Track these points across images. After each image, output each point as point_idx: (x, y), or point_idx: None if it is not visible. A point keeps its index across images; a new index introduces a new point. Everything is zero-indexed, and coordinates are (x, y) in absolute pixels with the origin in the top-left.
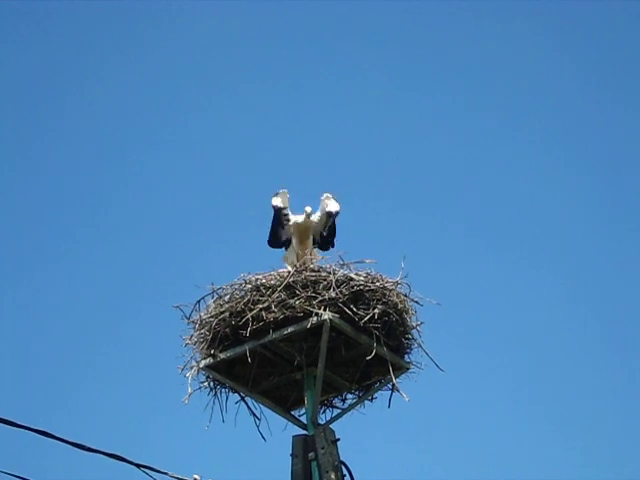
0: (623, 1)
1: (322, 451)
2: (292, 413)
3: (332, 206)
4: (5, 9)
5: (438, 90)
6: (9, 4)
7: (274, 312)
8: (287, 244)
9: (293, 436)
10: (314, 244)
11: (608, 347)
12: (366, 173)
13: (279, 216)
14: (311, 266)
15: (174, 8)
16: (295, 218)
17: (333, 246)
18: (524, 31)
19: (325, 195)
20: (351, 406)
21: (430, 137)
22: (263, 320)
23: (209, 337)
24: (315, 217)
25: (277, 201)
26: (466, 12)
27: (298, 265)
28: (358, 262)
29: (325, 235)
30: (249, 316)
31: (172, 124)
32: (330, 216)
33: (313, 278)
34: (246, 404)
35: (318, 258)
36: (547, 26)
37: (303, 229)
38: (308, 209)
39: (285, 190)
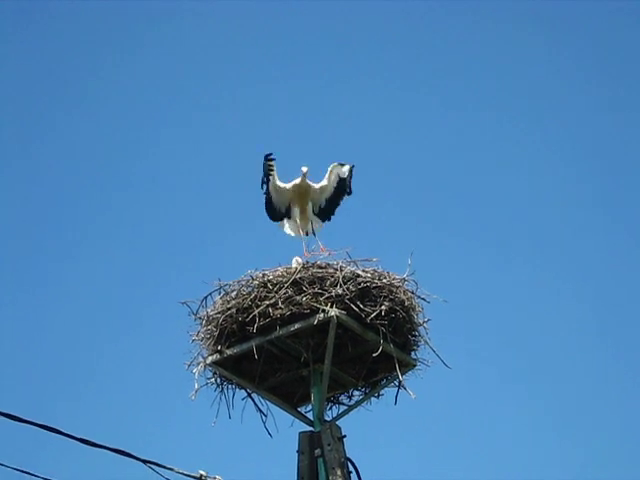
0: (623, 1)
1: (328, 448)
2: (298, 409)
3: (343, 172)
4: (5, 9)
5: (445, 86)
6: (9, 4)
7: (281, 308)
8: (287, 216)
9: (299, 432)
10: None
11: (614, 345)
12: (373, 170)
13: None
14: (318, 262)
15: (174, 8)
16: (291, 182)
17: (333, 214)
18: (524, 31)
19: (332, 165)
20: (357, 403)
21: (437, 134)
22: (270, 316)
23: (216, 333)
24: (317, 184)
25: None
26: (466, 13)
27: (302, 234)
28: (365, 260)
29: (323, 207)
30: (256, 312)
31: (177, 119)
32: (342, 181)
33: (320, 275)
34: (253, 400)
35: (321, 226)
36: (547, 26)
37: (303, 191)
38: (304, 168)
39: (305, 168)
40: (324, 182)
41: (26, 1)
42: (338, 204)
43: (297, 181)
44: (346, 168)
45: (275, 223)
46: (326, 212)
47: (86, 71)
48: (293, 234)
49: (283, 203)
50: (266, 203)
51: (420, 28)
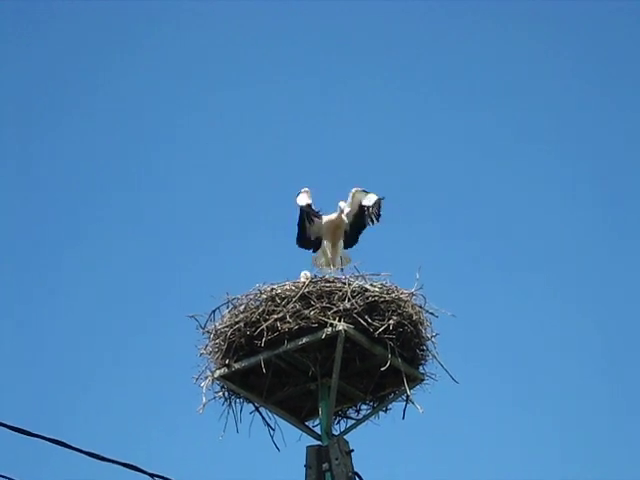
0: (623, 1)
1: (336, 462)
2: (306, 424)
3: (368, 200)
4: (5, 9)
5: (453, 94)
6: (9, 4)
7: (289, 322)
8: (316, 244)
9: (307, 447)
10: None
11: (622, 360)
12: (381, 184)
13: (307, 213)
14: (326, 277)
15: (175, 8)
16: (327, 217)
17: (357, 241)
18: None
19: (354, 190)
20: (365, 417)
21: (447, 148)
22: (278, 330)
23: (224, 347)
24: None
25: (302, 198)
26: (466, 13)
27: (332, 268)
28: (373, 274)
29: (348, 232)
30: (264, 326)
31: (185, 132)
32: (364, 210)
33: (328, 289)
34: (260, 414)
35: (349, 260)
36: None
37: (336, 227)
38: (342, 204)
39: (307, 189)
40: (347, 209)
41: (26, 1)
42: (359, 232)
43: (333, 217)
44: (371, 198)
45: (308, 253)
46: (349, 240)
47: (86, 71)
48: (323, 267)
49: (315, 234)
50: (299, 233)
51: (420, 29)
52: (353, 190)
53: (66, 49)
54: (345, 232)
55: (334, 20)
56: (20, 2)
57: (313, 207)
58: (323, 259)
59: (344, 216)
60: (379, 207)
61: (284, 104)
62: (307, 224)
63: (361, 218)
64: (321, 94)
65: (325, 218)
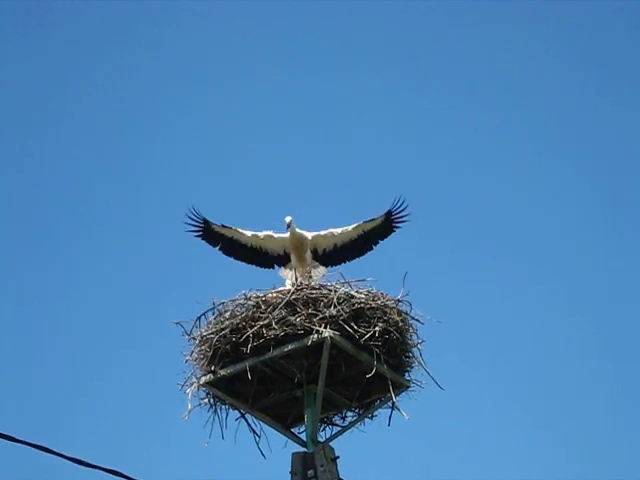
0: (622, 1)
1: (322, 469)
2: (292, 430)
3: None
4: (5, 9)
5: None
6: (9, 4)
7: (275, 329)
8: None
9: (293, 453)
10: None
11: (610, 363)
12: (366, 189)
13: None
14: (312, 284)
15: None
16: (282, 235)
17: (345, 262)
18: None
19: (361, 222)
20: (351, 424)
21: (432, 150)
22: (264, 337)
23: (209, 354)
24: (321, 232)
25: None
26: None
27: (297, 281)
28: (359, 280)
29: (330, 252)
30: (249, 333)
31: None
32: (369, 238)
33: (314, 295)
34: (246, 421)
35: (321, 274)
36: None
37: (297, 242)
38: (288, 219)
39: (289, 218)
40: (337, 230)
41: (26, 1)
42: (355, 257)
43: (286, 235)
44: (320, 272)
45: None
46: (333, 258)
47: (86, 71)
48: (289, 280)
49: (277, 251)
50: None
51: (420, 31)
52: (358, 223)
53: (66, 49)
54: (324, 250)
55: (334, 20)
56: (20, 2)
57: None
58: (289, 272)
59: (299, 230)
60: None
61: (284, 105)
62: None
63: (364, 246)
64: (320, 95)
65: (282, 237)
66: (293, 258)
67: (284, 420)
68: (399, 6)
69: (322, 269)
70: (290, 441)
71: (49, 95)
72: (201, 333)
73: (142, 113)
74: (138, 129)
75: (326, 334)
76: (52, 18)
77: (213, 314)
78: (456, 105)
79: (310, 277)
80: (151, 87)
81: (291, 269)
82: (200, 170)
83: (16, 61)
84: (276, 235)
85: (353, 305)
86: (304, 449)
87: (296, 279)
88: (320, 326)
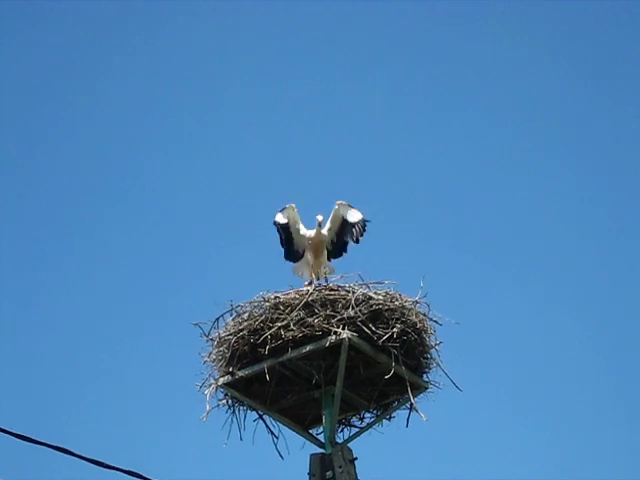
0: (622, 1)
1: (339, 470)
2: (310, 432)
3: (351, 216)
4: (6, 9)
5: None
6: (9, 4)
7: (293, 330)
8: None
9: (311, 455)
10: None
11: (624, 364)
12: (385, 192)
13: (285, 232)
14: (330, 284)
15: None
16: (308, 232)
17: (346, 251)
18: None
19: (338, 203)
20: (369, 425)
21: (450, 154)
22: (282, 338)
23: (228, 355)
24: (326, 227)
25: (280, 217)
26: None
27: (314, 279)
28: (377, 282)
29: (335, 242)
30: (268, 334)
31: (190, 135)
32: (347, 224)
33: (332, 297)
34: (264, 422)
35: (332, 271)
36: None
37: (317, 242)
38: (319, 218)
39: (293, 204)
40: (328, 224)
41: (26, 1)
42: (344, 246)
43: (312, 234)
44: (356, 215)
45: (289, 263)
46: (335, 251)
47: (86, 71)
48: (304, 277)
49: (299, 247)
50: (287, 249)
51: (420, 32)
52: (337, 204)
53: (66, 49)
54: (327, 245)
55: (334, 21)
56: (20, 2)
57: (299, 223)
58: (305, 270)
59: (324, 232)
60: (363, 227)
61: (284, 105)
62: (291, 242)
63: (343, 233)
64: (320, 95)
65: (307, 234)
66: (310, 256)
67: (302, 421)
68: (398, 6)
69: (331, 265)
70: (308, 442)
71: (48, 95)
72: (219, 334)
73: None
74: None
75: (344, 335)
76: (52, 18)
77: (231, 315)
78: (456, 106)
79: (326, 276)
80: (150, 87)
81: (306, 266)
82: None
83: (16, 61)
84: (302, 231)
85: (371, 306)
86: (322, 450)
87: (316, 278)
88: (338, 327)
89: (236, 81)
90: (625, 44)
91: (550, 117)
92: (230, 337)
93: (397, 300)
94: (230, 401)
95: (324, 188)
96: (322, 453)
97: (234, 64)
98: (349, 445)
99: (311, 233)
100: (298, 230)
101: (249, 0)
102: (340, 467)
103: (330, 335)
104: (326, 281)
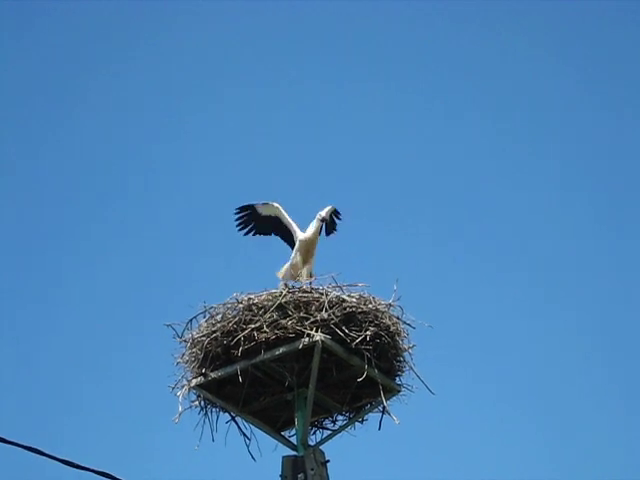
0: (622, 2)
1: (312, 472)
2: (282, 434)
3: (324, 211)
4: (6, 9)
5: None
6: (9, 4)
7: (266, 332)
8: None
9: (283, 457)
10: None
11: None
12: (359, 194)
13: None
14: (303, 287)
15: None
16: (302, 234)
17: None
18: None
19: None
20: (341, 428)
21: (424, 157)
22: (255, 340)
23: (200, 356)
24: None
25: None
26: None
27: (302, 281)
28: (351, 285)
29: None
30: (241, 336)
31: (166, 141)
32: (322, 221)
33: (305, 299)
34: (236, 424)
35: (314, 276)
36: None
37: (312, 244)
38: (322, 214)
39: (276, 204)
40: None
41: (26, 1)
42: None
43: (309, 235)
44: (326, 209)
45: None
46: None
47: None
48: (286, 279)
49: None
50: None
51: (420, 33)
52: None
53: (66, 49)
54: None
55: (334, 21)
56: (20, 2)
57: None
58: (290, 273)
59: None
60: (332, 215)
61: (284, 106)
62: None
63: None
64: (320, 96)
65: (301, 235)
66: (299, 258)
67: (275, 423)
68: (398, 7)
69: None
70: (280, 444)
71: (48, 95)
72: (192, 336)
73: (144, 110)
74: (138, 127)
75: (317, 338)
76: (51, 18)
77: (204, 317)
78: (457, 106)
79: (311, 277)
80: (151, 87)
81: (293, 269)
82: (178, 180)
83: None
84: (297, 232)
85: (344, 309)
86: (294, 453)
87: (305, 279)
88: (311, 330)
89: (236, 81)
90: (625, 44)
91: (550, 117)
92: (203, 338)
93: (370, 303)
94: (203, 402)
95: (319, 189)
96: (294, 455)
97: (234, 64)
98: (321, 448)
99: (308, 234)
100: (290, 225)
101: (249, 0)
102: (312, 469)
103: (303, 337)
104: (310, 283)
